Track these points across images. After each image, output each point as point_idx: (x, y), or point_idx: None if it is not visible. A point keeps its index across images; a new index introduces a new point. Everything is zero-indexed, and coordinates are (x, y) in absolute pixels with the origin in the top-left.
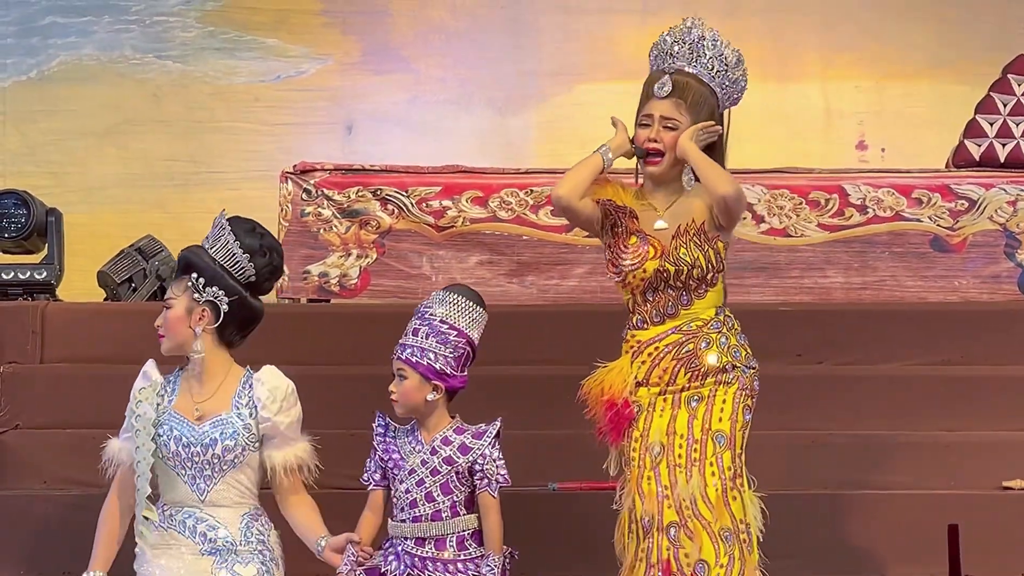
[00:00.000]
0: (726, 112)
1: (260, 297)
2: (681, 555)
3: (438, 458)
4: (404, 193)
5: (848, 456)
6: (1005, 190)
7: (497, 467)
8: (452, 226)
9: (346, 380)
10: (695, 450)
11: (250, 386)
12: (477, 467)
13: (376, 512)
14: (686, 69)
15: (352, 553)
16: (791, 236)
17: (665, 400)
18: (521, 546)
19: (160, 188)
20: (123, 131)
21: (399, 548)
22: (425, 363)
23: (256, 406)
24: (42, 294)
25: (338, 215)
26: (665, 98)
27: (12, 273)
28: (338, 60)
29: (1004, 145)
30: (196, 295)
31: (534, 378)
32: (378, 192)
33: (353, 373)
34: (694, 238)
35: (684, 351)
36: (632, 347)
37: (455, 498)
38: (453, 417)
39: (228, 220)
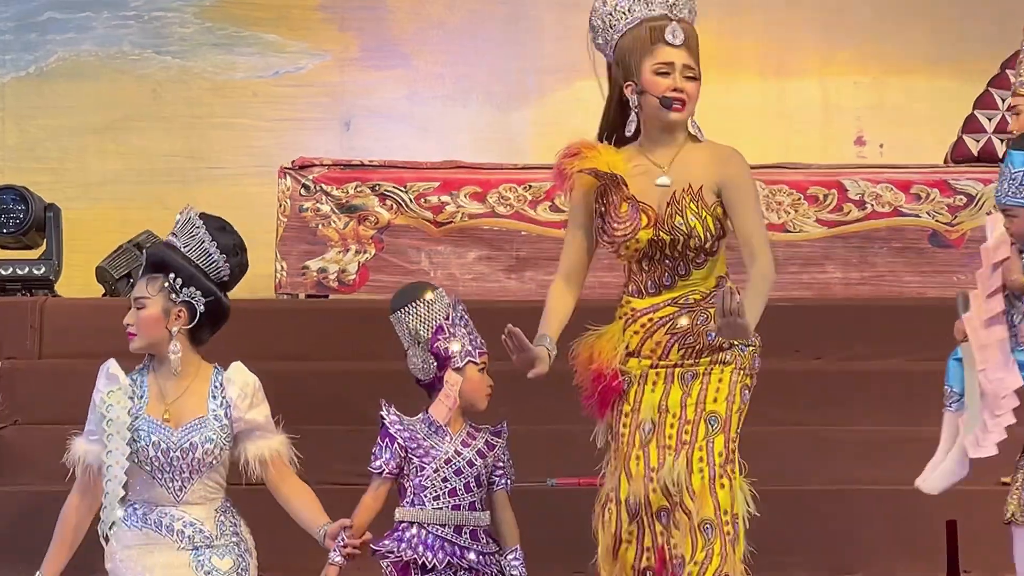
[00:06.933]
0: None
1: (227, 294)
2: (671, 544)
3: (471, 451)
4: (402, 188)
5: (846, 452)
6: None
7: (512, 465)
8: (451, 222)
9: (344, 376)
10: (686, 431)
11: (221, 385)
12: (500, 464)
13: (379, 501)
14: (684, 16)
15: (343, 540)
16: (789, 232)
17: (658, 374)
18: (521, 541)
19: (159, 184)
20: (122, 127)
21: (432, 536)
22: None
23: (229, 405)
24: (40, 289)
25: (336, 210)
26: (680, 47)
27: (10, 268)
28: (336, 56)
29: (1002, 141)
30: (173, 295)
31: None
32: (376, 188)
33: (352, 369)
34: (690, 205)
35: (679, 326)
36: (626, 314)
37: (483, 492)
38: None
39: (199, 217)
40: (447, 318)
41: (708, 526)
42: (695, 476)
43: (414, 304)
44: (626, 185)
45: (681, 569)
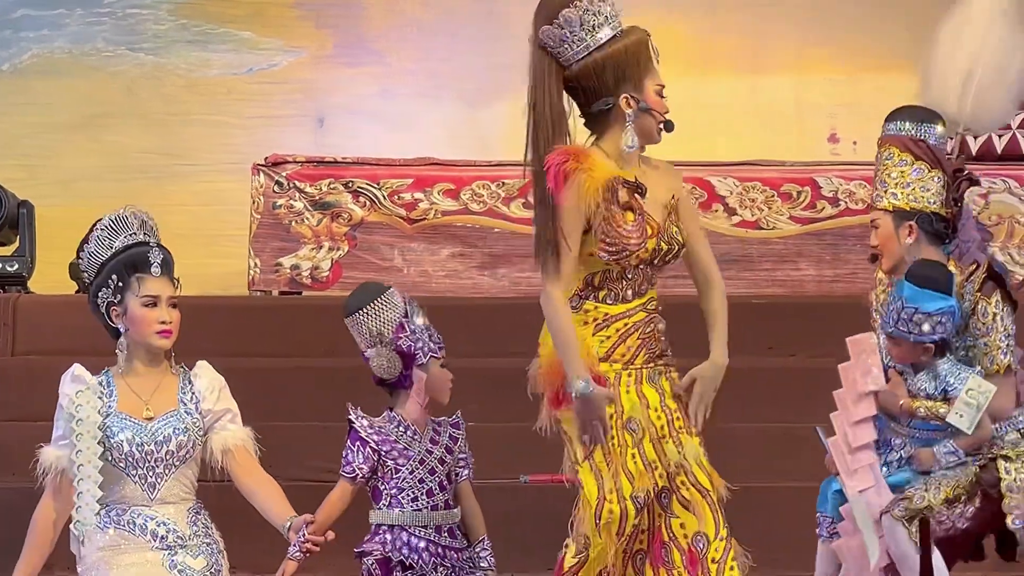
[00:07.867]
0: None
1: None
2: (675, 524)
3: (440, 448)
4: (376, 185)
5: (820, 449)
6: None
7: (471, 455)
8: (424, 218)
9: (317, 373)
10: (676, 418)
11: (190, 381)
12: (462, 456)
13: (345, 502)
14: None
15: (303, 536)
16: (763, 229)
17: (630, 374)
18: (493, 537)
19: (134, 181)
20: (96, 124)
21: (416, 538)
22: None
23: (198, 399)
24: (13, 286)
25: (310, 207)
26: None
27: None
28: (311, 53)
29: (975, 138)
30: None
31: (507, 370)
32: (350, 184)
33: (324, 365)
34: (679, 216)
35: (648, 331)
36: (595, 319)
37: (453, 488)
38: None
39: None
40: (406, 315)
41: (722, 505)
42: (702, 458)
43: (373, 305)
44: (643, 196)
45: (706, 546)
